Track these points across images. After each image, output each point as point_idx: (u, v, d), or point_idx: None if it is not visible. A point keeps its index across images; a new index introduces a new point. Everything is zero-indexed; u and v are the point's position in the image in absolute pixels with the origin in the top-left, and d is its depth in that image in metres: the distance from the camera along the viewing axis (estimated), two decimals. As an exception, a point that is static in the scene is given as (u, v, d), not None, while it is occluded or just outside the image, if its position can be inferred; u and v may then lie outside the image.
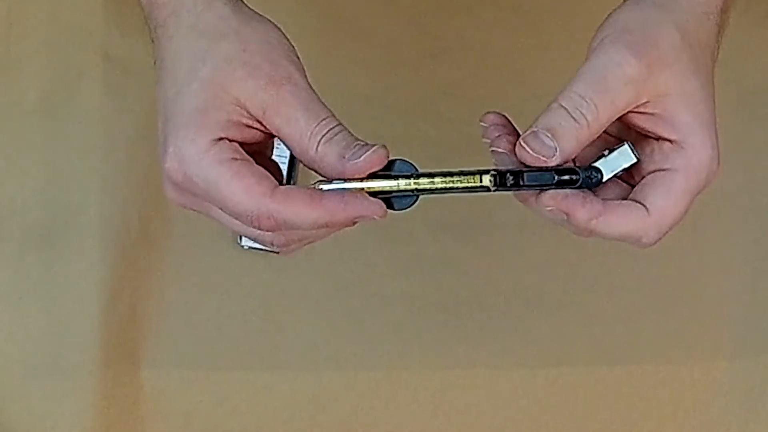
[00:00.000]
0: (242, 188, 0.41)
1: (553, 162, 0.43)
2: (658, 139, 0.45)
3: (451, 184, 0.43)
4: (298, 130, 0.42)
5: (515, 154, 0.44)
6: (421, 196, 0.44)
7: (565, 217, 0.44)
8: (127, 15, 0.72)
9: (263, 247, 0.70)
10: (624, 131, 0.47)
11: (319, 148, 0.42)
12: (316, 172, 0.44)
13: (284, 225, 0.41)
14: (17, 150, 0.71)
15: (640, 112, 0.45)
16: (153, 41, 0.47)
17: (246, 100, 0.42)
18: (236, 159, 0.42)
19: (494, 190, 0.43)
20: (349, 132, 0.43)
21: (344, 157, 0.42)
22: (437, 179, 0.43)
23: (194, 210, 0.45)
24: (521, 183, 0.43)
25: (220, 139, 0.42)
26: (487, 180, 0.43)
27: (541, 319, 0.72)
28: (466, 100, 0.73)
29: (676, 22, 0.45)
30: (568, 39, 0.73)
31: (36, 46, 0.71)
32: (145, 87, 0.71)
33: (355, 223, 0.43)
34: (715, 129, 0.45)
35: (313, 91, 0.44)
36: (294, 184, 0.71)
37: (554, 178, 0.43)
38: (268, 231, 0.42)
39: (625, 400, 0.72)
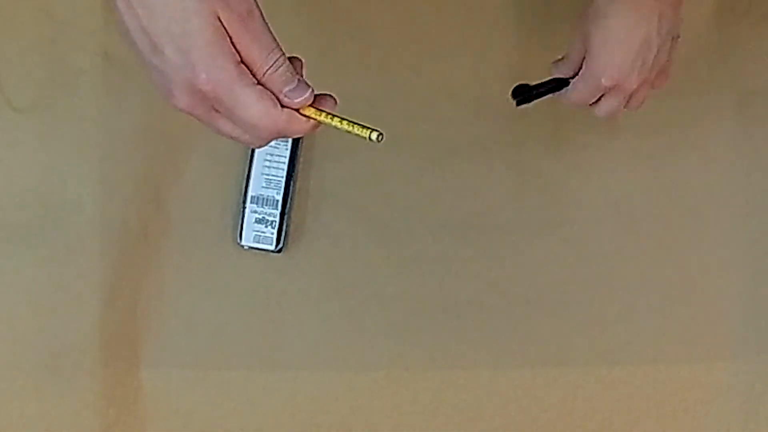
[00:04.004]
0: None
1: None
2: None
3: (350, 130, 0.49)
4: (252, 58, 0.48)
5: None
6: None
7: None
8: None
9: (263, 247, 0.70)
10: None
11: (265, 76, 0.48)
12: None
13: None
14: (12, 148, 0.70)
15: None
16: None
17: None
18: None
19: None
20: (288, 65, 0.49)
21: (282, 92, 0.49)
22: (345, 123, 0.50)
23: (199, 118, 0.49)
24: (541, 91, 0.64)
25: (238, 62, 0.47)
26: (375, 135, 0.49)
27: (541, 319, 0.72)
28: (466, 100, 0.73)
29: None
30: (568, 39, 0.73)
31: (33, 45, 0.71)
32: (145, 87, 0.71)
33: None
34: (627, 44, 0.59)
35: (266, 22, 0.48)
36: (298, 160, 0.71)
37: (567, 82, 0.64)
38: None
39: (625, 400, 0.72)
